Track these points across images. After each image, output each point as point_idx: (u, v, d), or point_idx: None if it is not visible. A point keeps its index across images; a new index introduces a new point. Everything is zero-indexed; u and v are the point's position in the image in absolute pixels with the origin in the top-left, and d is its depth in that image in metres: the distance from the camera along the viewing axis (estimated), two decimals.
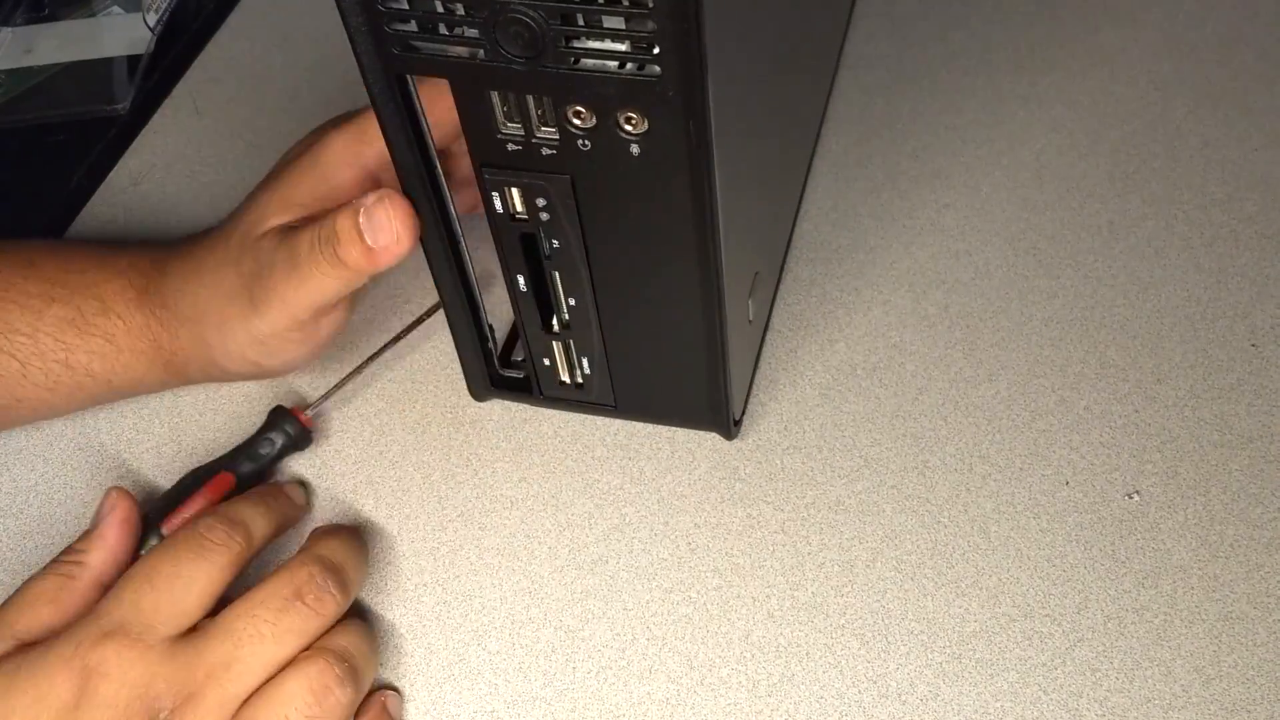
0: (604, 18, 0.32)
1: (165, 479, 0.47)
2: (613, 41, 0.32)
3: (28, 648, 0.38)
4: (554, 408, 0.48)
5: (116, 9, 0.66)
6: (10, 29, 0.66)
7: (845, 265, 0.53)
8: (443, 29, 0.34)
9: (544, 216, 0.39)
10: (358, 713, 0.40)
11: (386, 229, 0.39)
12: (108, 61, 0.64)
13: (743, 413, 0.48)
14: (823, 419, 0.48)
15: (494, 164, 0.37)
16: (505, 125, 0.36)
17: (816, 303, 0.51)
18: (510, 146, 0.37)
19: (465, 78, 0.35)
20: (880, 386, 0.49)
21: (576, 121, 0.35)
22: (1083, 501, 0.45)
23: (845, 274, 0.52)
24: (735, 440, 0.47)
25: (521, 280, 0.41)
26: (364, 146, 0.43)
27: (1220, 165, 0.55)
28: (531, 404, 0.48)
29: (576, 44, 0.33)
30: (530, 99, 0.35)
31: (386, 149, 0.39)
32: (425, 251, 0.42)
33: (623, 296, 0.41)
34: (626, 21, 0.32)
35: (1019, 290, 0.51)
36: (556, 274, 0.41)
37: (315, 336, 0.44)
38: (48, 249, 0.48)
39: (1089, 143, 0.56)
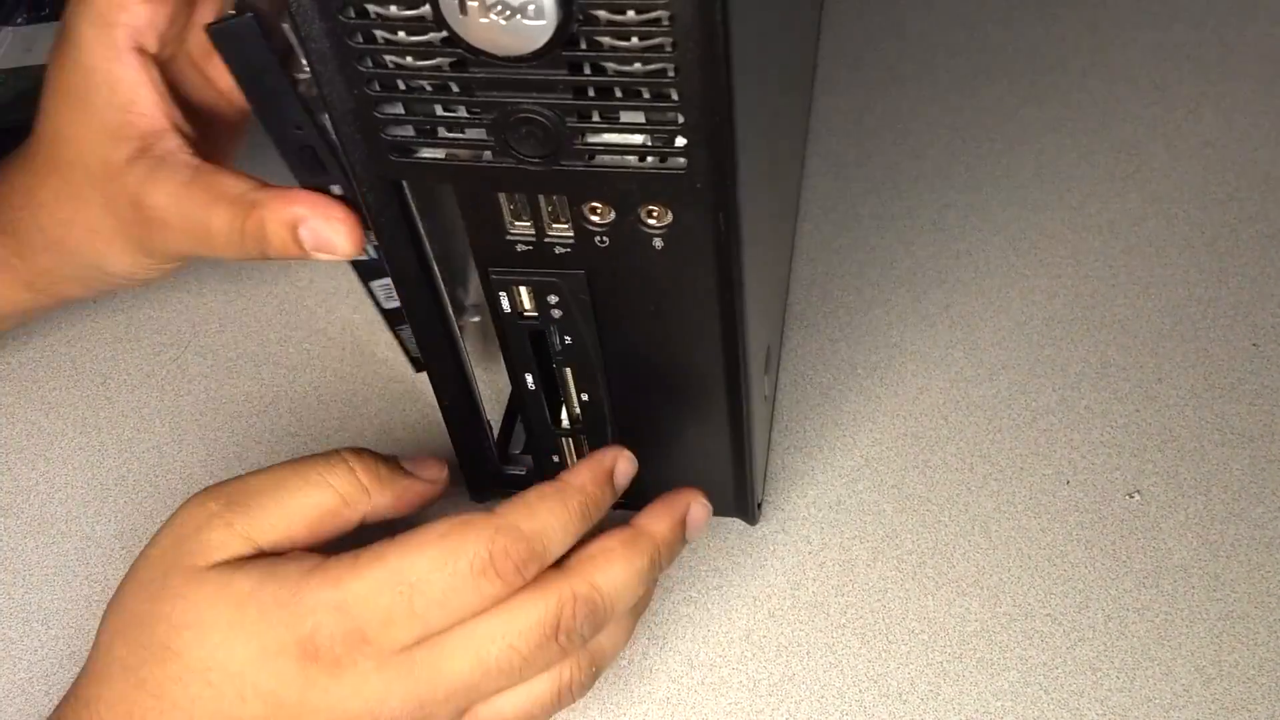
0: (623, 112, 0.29)
1: (166, 479, 0.47)
2: (633, 134, 0.30)
3: (264, 560, 0.33)
4: None
5: None
6: (11, 29, 0.66)
7: (845, 265, 0.53)
8: (444, 131, 0.31)
9: (556, 314, 0.36)
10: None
11: (329, 243, 0.36)
12: None
13: (763, 495, 0.45)
14: (823, 419, 0.48)
15: (502, 265, 0.35)
16: (514, 225, 0.34)
17: (817, 303, 0.51)
18: (520, 248, 0.34)
19: (470, 181, 0.32)
20: (880, 386, 0.49)
21: (594, 218, 0.33)
22: (1083, 501, 0.45)
23: (845, 274, 0.52)
24: None
25: (530, 379, 0.39)
26: (114, 30, 0.38)
27: (1220, 165, 0.55)
28: None
29: (594, 140, 0.30)
30: (541, 196, 0.33)
31: (144, 13, 0.37)
32: (425, 357, 0.40)
33: (640, 388, 0.39)
34: (648, 115, 0.29)
35: (1019, 290, 0.51)
36: (568, 370, 0.38)
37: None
38: None
39: (1089, 143, 0.57)
